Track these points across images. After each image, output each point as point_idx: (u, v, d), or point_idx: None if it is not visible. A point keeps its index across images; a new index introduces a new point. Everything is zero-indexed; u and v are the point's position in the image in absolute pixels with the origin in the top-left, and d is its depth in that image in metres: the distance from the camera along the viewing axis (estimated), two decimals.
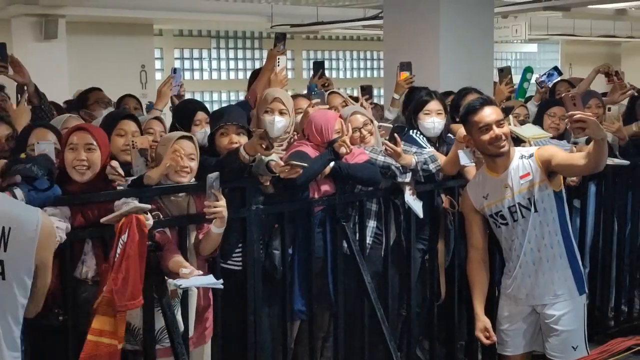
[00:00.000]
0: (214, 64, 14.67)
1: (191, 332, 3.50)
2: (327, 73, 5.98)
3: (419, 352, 4.46)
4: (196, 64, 14.43)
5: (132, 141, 3.66)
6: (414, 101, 4.45)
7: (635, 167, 5.11)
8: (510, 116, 4.54)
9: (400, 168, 3.99)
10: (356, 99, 5.23)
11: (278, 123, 3.98)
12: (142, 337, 3.31)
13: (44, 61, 9.16)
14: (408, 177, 4.02)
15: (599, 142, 3.34)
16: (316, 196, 3.87)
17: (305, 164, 3.57)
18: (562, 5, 10.42)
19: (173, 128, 4.19)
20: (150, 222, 3.08)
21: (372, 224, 4.09)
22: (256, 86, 4.78)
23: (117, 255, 2.98)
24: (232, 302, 3.64)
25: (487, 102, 3.70)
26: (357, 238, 4.00)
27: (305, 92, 5.02)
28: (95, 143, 3.21)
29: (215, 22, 13.10)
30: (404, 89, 4.98)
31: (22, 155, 3.15)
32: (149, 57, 12.65)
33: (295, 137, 4.15)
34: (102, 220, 3.07)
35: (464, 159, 3.90)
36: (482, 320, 3.77)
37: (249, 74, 5.71)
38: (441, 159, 4.13)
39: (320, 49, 15.81)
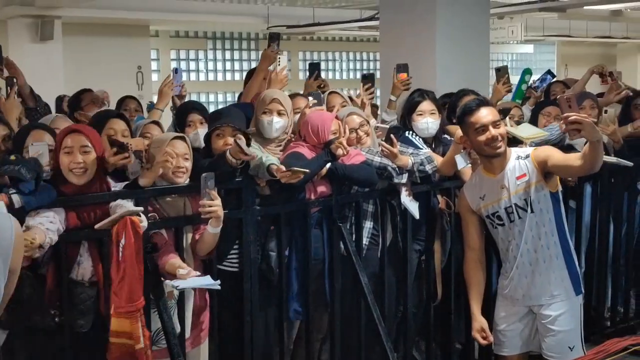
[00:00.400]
0: (210, 65, 14.66)
1: (187, 333, 3.50)
2: (323, 74, 5.97)
3: (415, 352, 4.46)
4: (192, 65, 14.42)
5: (127, 143, 3.67)
6: (407, 102, 4.45)
7: (631, 168, 5.11)
8: (507, 119, 4.54)
9: (397, 169, 3.99)
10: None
11: (276, 124, 3.97)
12: None
13: (40, 62, 9.15)
14: (404, 178, 4.02)
15: (594, 144, 3.34)
16: (312, 197, 3.86)
17: (307, 170, 3.57)
18: (558, 6, 10.43)
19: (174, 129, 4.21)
20: (145, 223, 3.08)
21: (368, 224, 4.09)
22: (250, 86, 4.78)
23: (120, 260, 3.00)
24: (229, 304, 3.64)
25: (483, 103, 3.71)
26: (354, 239, 4.00)
27: (302, 92, 5.01)
28: (90, 145, 3.21)
29: (211, 23, 13.09)
30: (400, 91, 4.97)
31: (12, 157, 3.15)
32: (145, 59, 12.64)
33: (293, 137, 4.15)
34: (96, 226, 3.09)
35: (461, 162, 3.90)
36: (479, 321, 3.78)
37: (245, 75, 5.71)
38: (437, 159, 4.13)
39: (317, 50, 15.81)
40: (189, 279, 3.11)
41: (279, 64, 4.66)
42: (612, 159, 4.53)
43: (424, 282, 4.35)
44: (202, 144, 3.88)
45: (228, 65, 14.87)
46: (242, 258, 3.65)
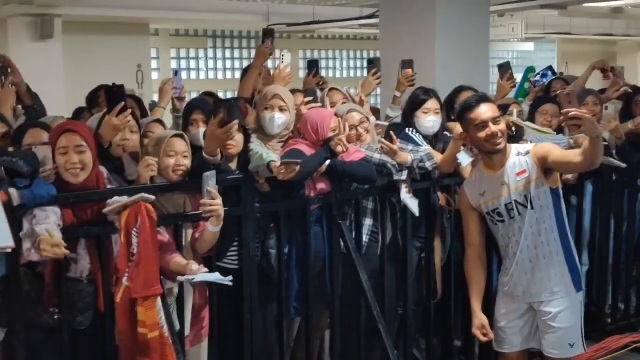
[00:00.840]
0: (210, 63, 14.64)
1: (187, 331, 3.50)
2: (323, 72, 5.96)
3: (415, 350, 4.45)
4: (192, 64, 14.40)
5: (123, 145, 3.68)
6: (411, 99, 4.43)
7: (632, 165, 5.11)
8: (514, 110, 4.52)
9: (396, 166, 3.99)
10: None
11: (278, 120, 3.96)
12: None
13: (39, 61, 9.13)
14: (404, 175, 4.01)
15: (594, 140, 3.33)
16: (312, 194, 3.86)
17: (299, 160, 3.56)
18: (558, 3, 10.40)
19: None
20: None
21: (368, 221, 4.09)
22: (244, 83, 4.76)
23: (135, 247, 2.99)
24: (228, 301, 3.64)
25: (482, 99, 3.70)
26: (353, 236, 3.99)
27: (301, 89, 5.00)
28: (85, 143, 3.21)
29: (211, 21, 13.07)
30: (404, 87, 4.95)
31: (10, 149, 3.14)
32: (145, 57, 12.62)
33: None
34: (104, 210, 3.09)
35: (465, 159, 3.86)
36: (479, 318, 3.77)
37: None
38: (437, 156, 4.12)
39: (317, 47, 15.78)
40: (202, 274, 3.13)
41: (282, 61, 4.64)
42: (604, 158, 4.52)
43: (424, 279, 4.35)
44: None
45: (228, 63, 14.86)
46: (241, 255, 3.65)
